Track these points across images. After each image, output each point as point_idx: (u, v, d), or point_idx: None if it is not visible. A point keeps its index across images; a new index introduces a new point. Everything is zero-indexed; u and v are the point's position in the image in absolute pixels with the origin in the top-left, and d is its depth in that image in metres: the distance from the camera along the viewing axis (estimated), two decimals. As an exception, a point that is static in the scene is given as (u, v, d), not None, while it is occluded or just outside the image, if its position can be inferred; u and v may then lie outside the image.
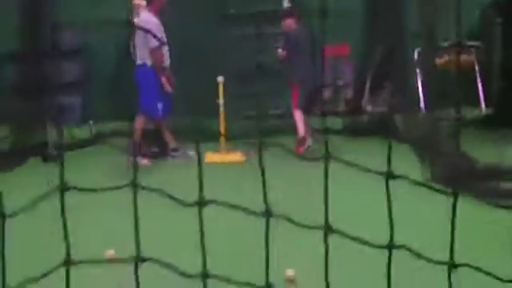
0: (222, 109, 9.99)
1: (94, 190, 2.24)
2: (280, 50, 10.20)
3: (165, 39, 9.78)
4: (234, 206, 2.15)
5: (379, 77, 12.13)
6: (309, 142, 9.94)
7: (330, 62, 13.02)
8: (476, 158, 8.36)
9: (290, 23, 10.25)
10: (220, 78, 9.96)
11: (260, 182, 2.28)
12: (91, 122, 11.50)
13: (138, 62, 9.67)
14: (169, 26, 10.29)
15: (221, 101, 9.99)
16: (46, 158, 9.82)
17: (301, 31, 10.27)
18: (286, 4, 10.37)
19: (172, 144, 9.95)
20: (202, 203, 1.99)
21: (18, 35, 10.77)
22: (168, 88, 9.71)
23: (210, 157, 9.71)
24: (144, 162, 9.59)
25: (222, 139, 10.02)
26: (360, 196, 7.27)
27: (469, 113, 11.76)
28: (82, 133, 11.29)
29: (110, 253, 5.26)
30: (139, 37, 9.58)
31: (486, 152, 8.79)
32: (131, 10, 10.34)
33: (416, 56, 11.96)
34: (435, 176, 7.85)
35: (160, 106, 9.69)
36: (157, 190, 2.14)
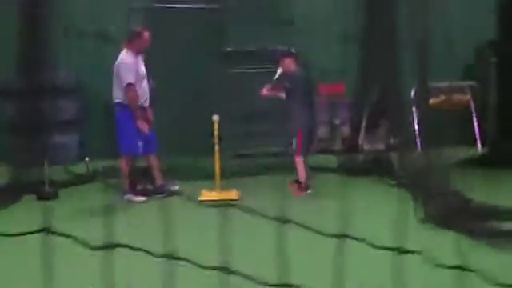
0: (217, 147, 10.00)
1: (7, 235, 2.26)
2: (265, 90, 10.21)
3: (143, 79, 9.78)
4: (138, 249, 2.18)
5: (375, 115, 12.18)
6: (309, 189, 9.96)
7: (325, 101, 13.14)
8: (470, 198, 8.33)
9: (288, 63, 10.25)
10: (215, 117, 9.99)
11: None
12: (87, 159, 11.51)
13: (116, 100, 9.73)
14: (165, 64, 10.36)
15: (216, 139, 10.00)
16: (40, 197, 9.83)
17: (300, 72, 10.26)
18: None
19: (159, 181, 9.98)
20: (111, 247, 2.03)
21: (16, 73, 10.82)
22: (144, 129, 9.67)
23: (205, 195, 9.72)
24: (138, 199, 9.62)
25: (217, 177, 10.02)
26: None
27: (465, 152, 11.81)
28: (78, 170, 11.30)
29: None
30: (115, 75, 9.68)
31: (480, 191, 8.77)
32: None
33: (412, 95, 12.02)
34: (428, 215, 7.83)
35: (140, 143, 9.69)
36: (66, 235, 2.14)
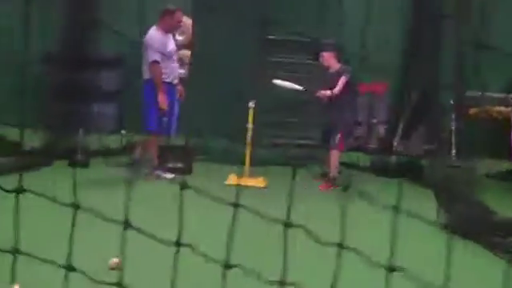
0: (250, 133, 10.04)
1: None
2: (322, 92, 10.15)
3: (171, 57, 9.82)
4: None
5: (413, 119, 12.11)
6: (337, 185, 9.95)
7: (365, 100, 13.09)
8: (495, 210, 8.25)
9: (328, 57, 10.21)
10: (251, 104, 10.04)
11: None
12: (123, 131, 11.65)
13: (145, 76, 9.80)
14: (207, 49, 10.39)
15: (250, 126, 10.04)
16: (72, 163, 10.01)
17: (343, 67, 10.20)
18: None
19: (154, 162, 9.94)
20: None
21: (61, 40, 10.99)
22: (164, 106, 9.66)
23: (232, 179, 9.79)
24: (166, 175, 9.76)
25: (247, 163, 10.08)
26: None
27: (498, 165, 11.66)
28: (113, 142, 11.44)
29: (115, 261, 5.37)
30: (143, 51, 9.75)
31: (507, 205, 8.70)
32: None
33: (452, 103, 11.89)
34: (450, 223, 7.78)
35: (165, 120, 9.77)
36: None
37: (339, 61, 10.33)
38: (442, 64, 10.49)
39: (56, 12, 10.57)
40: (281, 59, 11.95)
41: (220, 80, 11.22)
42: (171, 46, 9.90)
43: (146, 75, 9.76)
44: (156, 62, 9.58)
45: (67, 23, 10.84)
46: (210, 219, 6.83)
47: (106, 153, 10.80)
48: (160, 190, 8.77)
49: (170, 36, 10.01)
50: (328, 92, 10.02)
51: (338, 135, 10.02)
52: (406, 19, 11.89)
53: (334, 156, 10.07)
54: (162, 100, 9.63)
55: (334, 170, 10.03)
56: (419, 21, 11.50)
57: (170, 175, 9.79)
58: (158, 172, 9.74)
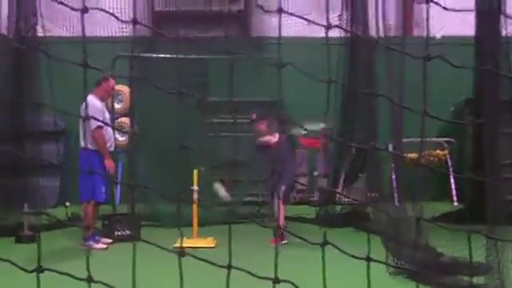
0: (195, 195, 10.10)
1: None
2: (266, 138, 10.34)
3: (108, 122, 9.86)
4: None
5: (354, 168, 12.34)
6: (286, 238, 10.02)
7: (305, 153, 13.29)
8: (441, 252, 8.44)
9: (262, 127, 10.39)
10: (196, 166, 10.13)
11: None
12: (68, 204, 11.58)
13: (83, 145, 9.78)
14: (148, 111, 10.46)
15: (195, 187, 10.11)
16: (19, 239, 9.88)
17: (283, 137, 10.41)
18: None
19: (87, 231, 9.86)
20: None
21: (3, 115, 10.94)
22: (112, 170, 9.73)
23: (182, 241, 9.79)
24: (98, 246, 9.75)
25: (195, 225, 10.12)
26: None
27: (441, 207, 11.94)
28: (58, 214, 11.34)
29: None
30: (81, 120, 9.73)
31: (454, 246, 8.86)
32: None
33: (390, 149, 12.15)
34: (399, 267, 7.94)
35: (103, 189, 9.76)
36: None
37: (276, 127, 10.54)
38: (379, 114, 10.75)
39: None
40: (221, 120, 12.11)
41: (163, 144, 11.29)
42: (107, 113, 10.01)
43: (85, 143, 9.70)
44: (100, 127, 9.60)
45: (6, 97, 10.79)
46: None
47: (53, 226, 10.66)
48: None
49: (105, 105, 10.08)
50: (271, 138, 10.21)
51: (283, 188, 10.17)
52: (343, 75, 12.18)
53: (283, 209, 10.15)
54: (110, 165, 9.66)
55: (282, 221, 10.04)
56: (354, 77, 11.82)
57: (102, 245, 9.76)
58: (90, 243, 9.63)
